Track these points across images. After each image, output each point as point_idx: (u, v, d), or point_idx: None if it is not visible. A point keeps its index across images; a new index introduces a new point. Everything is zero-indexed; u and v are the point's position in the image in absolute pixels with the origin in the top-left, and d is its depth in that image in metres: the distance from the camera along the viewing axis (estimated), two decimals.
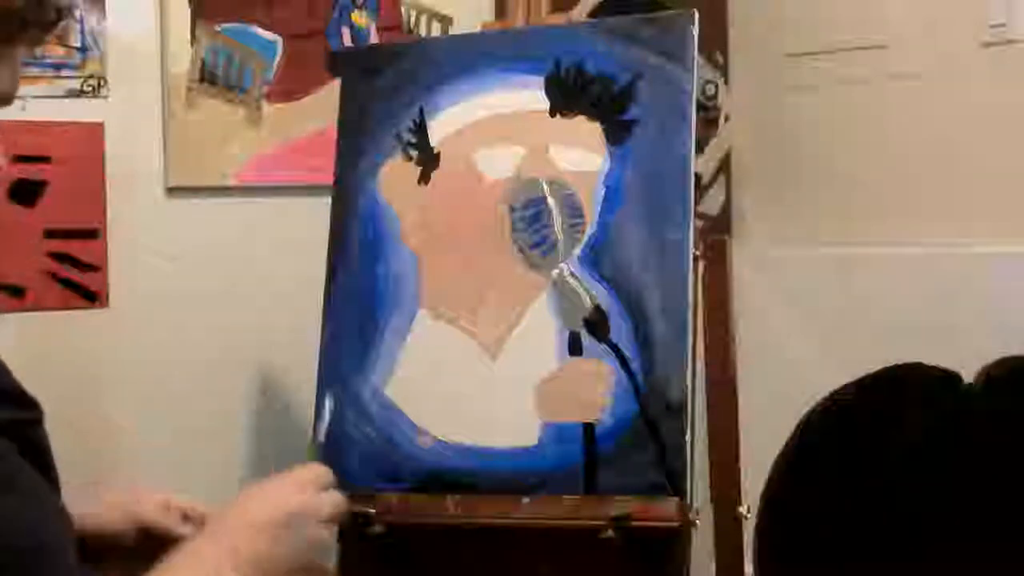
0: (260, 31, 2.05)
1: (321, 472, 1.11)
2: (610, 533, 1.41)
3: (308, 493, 1.07)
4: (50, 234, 1.86)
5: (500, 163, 1.61)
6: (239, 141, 2.03)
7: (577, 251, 1.54)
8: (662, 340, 1.47)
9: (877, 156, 2.25)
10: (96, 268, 1.90)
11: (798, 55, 2.34)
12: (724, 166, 2.44)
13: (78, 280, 1.89)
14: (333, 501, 1.09)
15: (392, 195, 1.65)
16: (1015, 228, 2.06)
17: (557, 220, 1.56)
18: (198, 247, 2.00)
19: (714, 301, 1.56)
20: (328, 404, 1.61)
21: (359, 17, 2.14)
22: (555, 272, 1.55)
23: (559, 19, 1.81)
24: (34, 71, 1.83)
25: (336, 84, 1.80)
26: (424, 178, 1.63)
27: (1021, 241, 2.04)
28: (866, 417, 1.70)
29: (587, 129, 1.57)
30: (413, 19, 2.20)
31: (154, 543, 1.09)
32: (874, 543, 1.66)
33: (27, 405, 0.91)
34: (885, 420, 1.69)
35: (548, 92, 1.60)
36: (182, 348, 1.99)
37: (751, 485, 1.59)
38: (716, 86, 2.41)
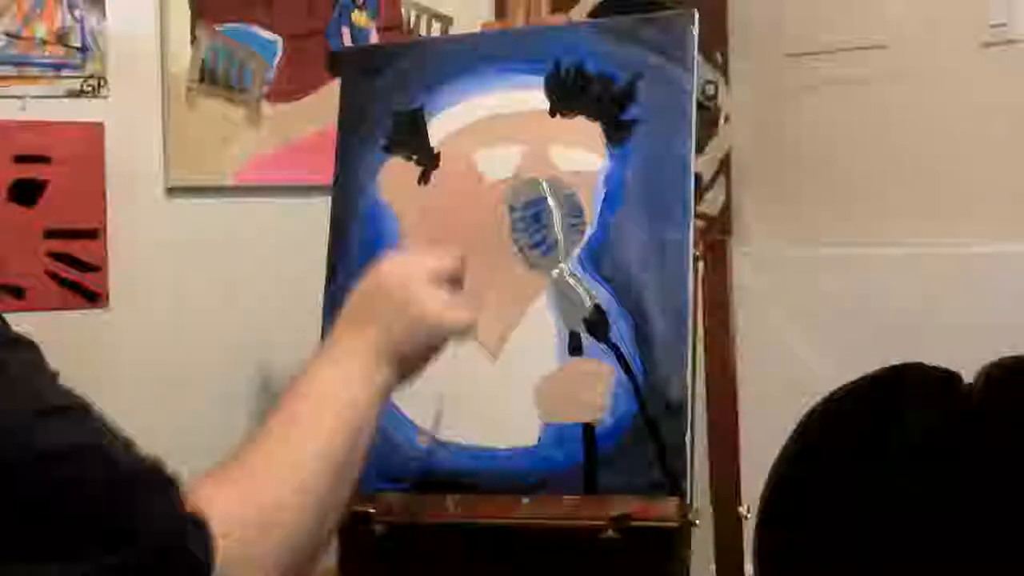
0: (260, 31, 2.05)
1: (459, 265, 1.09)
2: (610, 533, 1.41)
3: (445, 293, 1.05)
4: (50, 234, 1.87)
5: (500, 163, 1.60)
6: (239, 141, 2.03)
7: (577, 251, 1.54)
8: (662, 340, 1.47)
9: (877, 156, 2.25)
10: (96, 268, 1.90)
11: (798, 55, 2.34)
12: (724, 166, 2.44)
13: (78, 280, 1.89)
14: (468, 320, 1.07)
15: (392, 195, 1.65)
16: (1016, 228, 2.06)
17: (557, 220, 1.56)
18: (198, 247, 2.00)
19: (714, 301, 1.56)
20: None
21: (359, 17, 2.14)
22: (555, 272, 1.54)
23: (559, 19, 1.81)
24: (34, 71, 1.83)
25: (336, 84, 1.80)
26: (424, 178, 1.63)
27: (1022, 241, 2.04)
28: (866, 417, 1.71)
29: (587, 129, 1.57)
30: (413, 19, 2.20)
31: None
32: (874, 542, 1.66)
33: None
34: (885, 420, 1.69)
35: (548, 92, 1.60)
36: (182, 348, 1.99)
37: (751, 485, 1.60)
38: (716, 86, 2.41)
